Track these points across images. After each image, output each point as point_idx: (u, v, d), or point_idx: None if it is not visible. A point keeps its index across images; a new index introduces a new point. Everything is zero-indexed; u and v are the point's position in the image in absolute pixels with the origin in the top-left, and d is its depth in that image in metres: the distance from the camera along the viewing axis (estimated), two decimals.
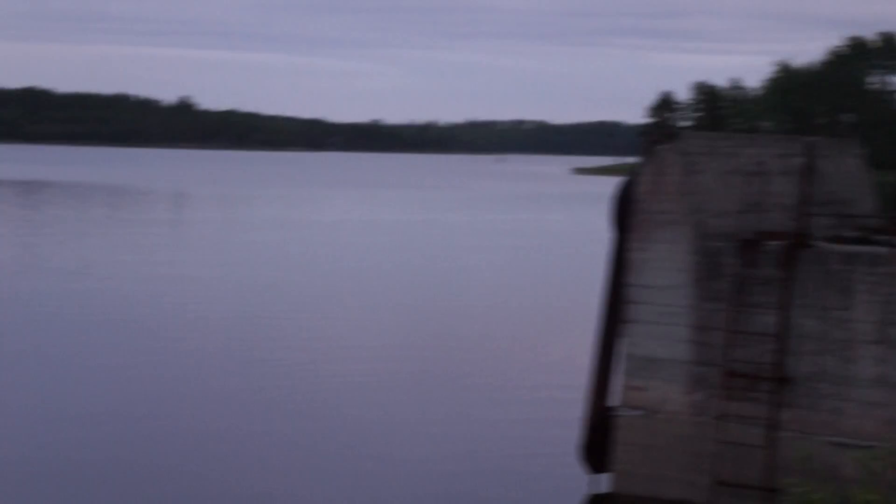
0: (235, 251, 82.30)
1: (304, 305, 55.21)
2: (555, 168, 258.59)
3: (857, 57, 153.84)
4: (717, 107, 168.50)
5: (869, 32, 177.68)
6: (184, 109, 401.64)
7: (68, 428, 30.50)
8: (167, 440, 29.42)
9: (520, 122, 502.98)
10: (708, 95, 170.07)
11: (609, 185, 28.18)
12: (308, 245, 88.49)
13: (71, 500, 25.19)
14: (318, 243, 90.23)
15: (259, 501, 25.23)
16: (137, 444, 28.83)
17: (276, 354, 41.53)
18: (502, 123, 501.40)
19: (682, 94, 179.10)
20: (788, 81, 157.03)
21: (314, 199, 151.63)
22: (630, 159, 32.63)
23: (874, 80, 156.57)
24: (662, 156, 24.37)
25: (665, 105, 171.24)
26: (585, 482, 24.91)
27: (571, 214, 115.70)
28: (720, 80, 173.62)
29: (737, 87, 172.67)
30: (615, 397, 24.81)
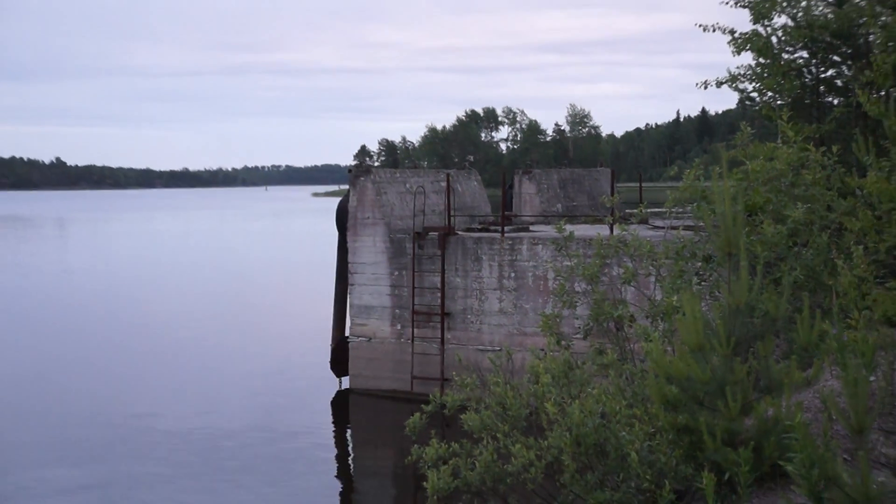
0: (120, 245, 73.04)
1: (163, 280, 49.60)
2: (301, 194, 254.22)
3: (473, 122, 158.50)
4: (394, 153, 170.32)
5: (478, 107, 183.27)
6: (59, 164, 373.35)
7: None
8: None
9: (277, 166, 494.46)
10: (388, 147, 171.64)
11: (334, 203, 27.83)
12: (158, 242, 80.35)
13: None
14: (162, 242, 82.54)
15: None
16: None
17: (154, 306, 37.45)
18: (266, 167, 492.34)
19: (374, 146, 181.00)
20: (435, 137, 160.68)
21: (155, 218, 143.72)
22: (346, 187, 31.90)
23: (484, 135, 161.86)
24: (363, 184, 24.25)
25: (363, 153, 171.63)
26: (336, 383, 24.82)
27: (311, 221, 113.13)
28: (396, 137, 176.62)
29: (405, 141, 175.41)
30: (349, 330, 24.65)
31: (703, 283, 10.09)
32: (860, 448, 5.70)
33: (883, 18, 12.03)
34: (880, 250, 9.37)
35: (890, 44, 10.87)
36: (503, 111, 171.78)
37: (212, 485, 17.39)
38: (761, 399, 6.89)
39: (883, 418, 7.17)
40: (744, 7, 13.25)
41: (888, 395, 7.22)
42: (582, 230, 21.16)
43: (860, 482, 5.37)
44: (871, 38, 12.40)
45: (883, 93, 10.60)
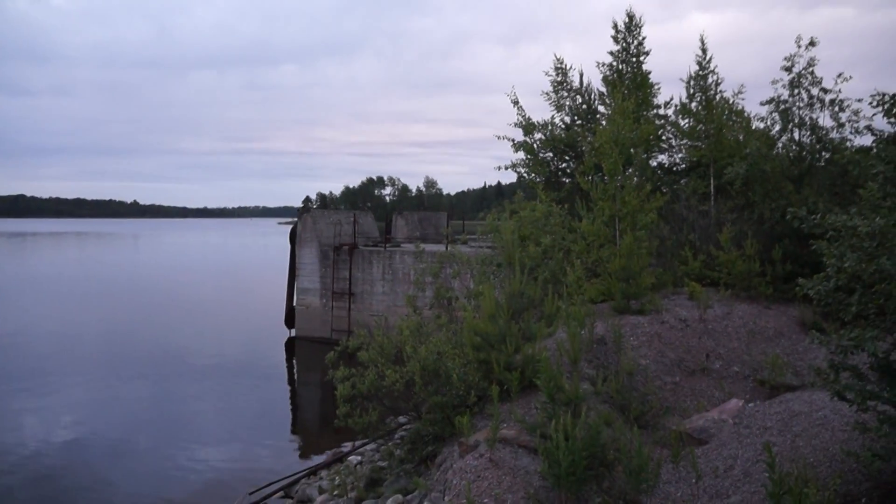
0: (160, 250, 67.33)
1: (189, 269, 45.06)
2: (271, 223, 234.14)
3: (371, 184, 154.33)
4: (325, 200, 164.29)
5: (374, 176, 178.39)
6: (135, 204, 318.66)
7: None
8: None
9: (258, 206, 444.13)
10: (321, 197, 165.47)
11: (289, 229, 26.34)
12: (189, 247, 73.51)
13: None
14: (192, 246, 75.96)
15: None
16: None
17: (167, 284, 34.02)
18: (251, 207, 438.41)
19: (314, 196, 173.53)
20: (349, 192, 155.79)
21: (188, 234, 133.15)
22: (296, 219, 29.91)
23: (377, 192, 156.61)
24: (306, 218, 23.37)
25: (307, 200, 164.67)
26: (287, 333, 23.73)
27: (277, 238, 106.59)
28: (326, 191, 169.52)
29: (332, 194, 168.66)
30: (295, 302, 23.56)
31: (495, 279, 10.22)
32: (574, 370, 5.86)
33: (589, 139, 12.68)
34: (588, 262, 9.77)
35: (591, 151, 11.42)
36: (388, 179, 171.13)
37: (215, 383, 16.58)
38: (525, 344, 7.02)
39: (587, 353, 7.44)
40: (519, 127, 13.67)
41: (590, 341, 7.50)
42: (430, 247, 21.11)
43: (573, 388, 5.51)
44: (584, 148, 13.01)
45: (589, 177, 11.12)
